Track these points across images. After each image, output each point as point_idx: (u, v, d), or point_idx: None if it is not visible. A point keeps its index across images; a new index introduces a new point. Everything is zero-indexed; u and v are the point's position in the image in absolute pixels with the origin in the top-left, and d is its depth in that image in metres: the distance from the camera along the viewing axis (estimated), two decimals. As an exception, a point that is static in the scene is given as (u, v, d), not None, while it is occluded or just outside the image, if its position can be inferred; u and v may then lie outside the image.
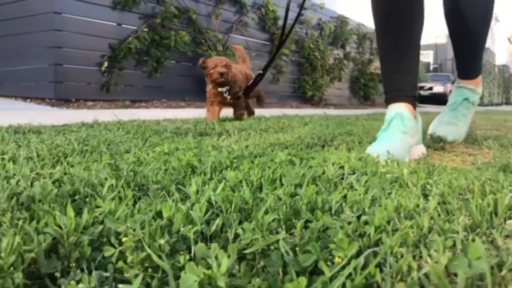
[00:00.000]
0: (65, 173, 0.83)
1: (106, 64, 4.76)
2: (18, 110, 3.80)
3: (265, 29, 6.88)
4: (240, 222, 0.57)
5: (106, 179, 0.72)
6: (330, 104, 8.40)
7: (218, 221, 0.52)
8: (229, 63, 2.83)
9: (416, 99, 1.60)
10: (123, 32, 4.99)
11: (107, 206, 0.57)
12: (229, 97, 2.83)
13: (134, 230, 0.47)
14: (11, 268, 0.40)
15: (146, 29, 5.16)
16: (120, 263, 0.42)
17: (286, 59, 7.28)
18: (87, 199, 0.67)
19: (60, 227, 0.47)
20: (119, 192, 0.66)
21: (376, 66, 9.90)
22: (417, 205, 0.61)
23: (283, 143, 1.54)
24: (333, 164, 0.85)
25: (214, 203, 0.61)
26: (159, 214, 0.55)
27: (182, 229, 0.50)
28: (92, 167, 0.85)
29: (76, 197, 0.68)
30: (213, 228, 0.51)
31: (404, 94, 1.54)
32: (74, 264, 0.44)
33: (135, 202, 0.65)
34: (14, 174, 0.78)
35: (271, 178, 0.77)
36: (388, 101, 1.58)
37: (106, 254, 0.45)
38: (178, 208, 0.54)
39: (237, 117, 2.99)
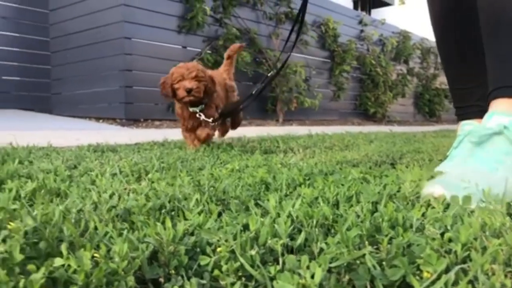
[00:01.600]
0: (150, 189, 0.89)
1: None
2: (93, 130, 4.07)
3: (325, 47, 6.90)
4: (322, 237, 0.58)
5: (190, 194, 0.76)
6: (394, 121, 8.20)
7: (302, 235, 0.54)
8: (201, 72, 1.99)
9: None
10: (188, 55, 5.21)
11: (195, 219, 0.61)
12: (209, 120, 2.03)
13: (226, 241, 0.50)
14: (123, 273, 0.44)
15: (209, 51, 5.36)
16: (216, 272, 0.46)
17: (347, 75, 7.24)
18: (172, 213, 0.72)
19: (159, 237, 0.51)
20: (203, 205, 0.71)
21: (441, 81, 9.56)
22: (503, 224, 0.60)
23: (350, 161, 1.53)
24: (409, 182, 0.85)
25: (295, 218, 0.63)
26: (245, 227, 0.58)
27: (269, 241, 0.52)
28: (175, 183, 0.91)
29: (162, 211, 0.73)
30: (299, 241, 0.53)
31: (478, 109, 1.43)
32: (173, 271, 0.48)
33: (218, 215, 0.69)
34: (106, 189, 0.85)
35: (347, 195, 0.78)
36: (460, 117, 1.48)
37: (202, 263, 0.49)
38: (263, 222, 0.57)
39: (202, 140, 2.06)
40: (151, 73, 4.91)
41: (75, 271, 0.43)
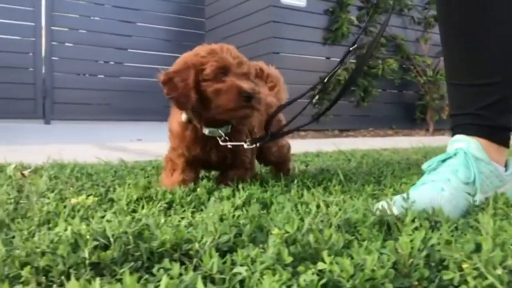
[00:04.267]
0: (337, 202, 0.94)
1: (317, 96, 5.08)
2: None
3: (480, 49, 6.34)
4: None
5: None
6: None
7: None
8: (252, 66, 1.23)
9: (507, 131, 1.06)
10: (332, 65, 5.27)
11: (416, 235, 0.64)
12: (244, 145, 1.21)
13: (469, 258, 0.53)
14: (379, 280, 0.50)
15: (353, 60, 5.35)
16: (464, 287, 0.48)
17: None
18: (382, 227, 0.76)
19: (396, 249, 0.56)
20: (414, 221, 0.73)
21: None
22: None
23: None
24: None
25: None
26: (478, 246, 0.59)
27: (509, 261, 0.53)
28: (361, 197, 0.96)
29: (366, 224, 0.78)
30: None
31: (474, 121, 1.04)
32: (416, 283, 0.52)
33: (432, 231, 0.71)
34: (310, 201, 0.93)
35: None
36: (452, 129, 1.11)
37: (445, 277, 0.52)
38: (495, 242, 0.58)
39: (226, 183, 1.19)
40: (298, 85, 5.07)
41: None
